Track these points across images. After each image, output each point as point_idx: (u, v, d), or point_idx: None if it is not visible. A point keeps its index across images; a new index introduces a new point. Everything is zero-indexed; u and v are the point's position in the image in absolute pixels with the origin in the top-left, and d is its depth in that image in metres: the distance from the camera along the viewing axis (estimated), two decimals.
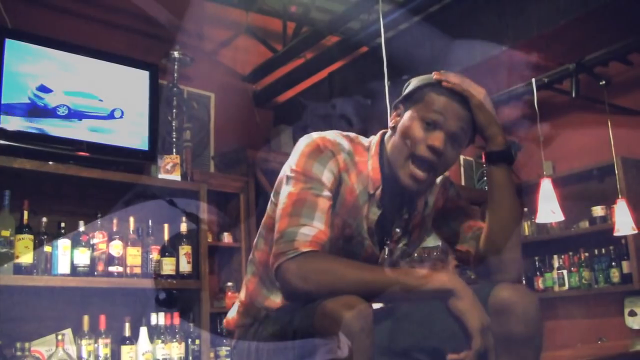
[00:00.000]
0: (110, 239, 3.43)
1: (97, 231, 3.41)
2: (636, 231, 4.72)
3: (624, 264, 5.19)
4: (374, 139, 1.80)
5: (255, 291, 1.81)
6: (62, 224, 3.32)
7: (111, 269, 3.40)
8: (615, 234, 4.79)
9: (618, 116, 5.22)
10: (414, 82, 1.77)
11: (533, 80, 4.97)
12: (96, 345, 3.26)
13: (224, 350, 3.92)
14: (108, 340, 3.30)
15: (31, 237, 3.17)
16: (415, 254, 4.55)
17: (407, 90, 1.76)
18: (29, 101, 3.38)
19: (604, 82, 5.12)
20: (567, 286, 5.61)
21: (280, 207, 1.64)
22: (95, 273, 3.35)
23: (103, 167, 3.51)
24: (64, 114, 3.49)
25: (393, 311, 1.79)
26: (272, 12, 4.88)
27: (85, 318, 3.26)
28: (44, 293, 3.34)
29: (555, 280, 5.69)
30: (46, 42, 3.52)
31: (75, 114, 3.53)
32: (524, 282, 5.91)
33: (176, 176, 3.80)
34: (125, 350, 3.35)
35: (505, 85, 5.01)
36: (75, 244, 3.30)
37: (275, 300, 1.76)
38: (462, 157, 6.01)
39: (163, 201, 3.78)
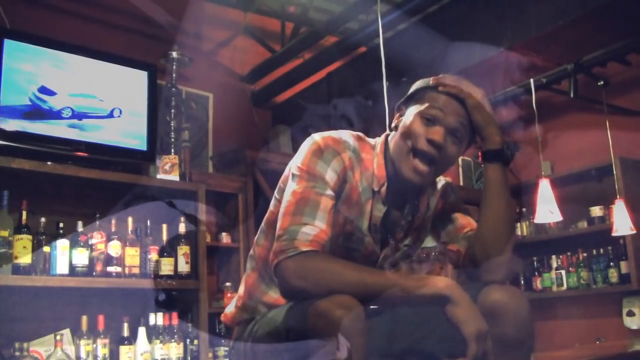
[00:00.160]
0: (109, 239, 3.43)
1: (96, 231, 3.41)
2: (634, 231, 4.72)
3: (622, 264, 5.20)
4: (379, 139, 1.83)
5: (254, 286, 1.83)
6: (61, 224, 3.32)
7: (110, 269, 3.40)
8: (614, 234, 4.80)
9: (616, 116, 5.23)
10: (415, 85, 1.80)
11: (531, 80, 4.97)
12: (95, 345, 3.26)
13: (222, 351, 3.93)
14: (107, 341, 3.31)
15: (30, 237, 3.17)
16: (415, 255, 4.56)
17: (408, 93, 1.80)
18: (29, 102, 3.38)
19: (602, 82, 5.12)
20: (565, 286, 5.61)
21: (284, 205, 1.66)
22: (94, 273, 3.35)
23: (102, 167, 3.51)
24: (67, 116, 3.49)
25: (390, 313, 1.80)
26: (271, 12, 4.88)
27: (84, 318, 3.26)
28: (42, 293, 3.34)
29: (553, 281, 5.69)
30: (45, 42, 3.52)
31: (74, 115, 3.53)
32: (522, 282, 5.92)
33: (175, 176, 3.80)
34: (123, 350, 3.35)
35: (504, 85, 5.02)
36: (74, 244, 3.30)
37: (274, 295, 1.78)
38: (460, 158, 6.01)
39: (161, 201, 3.78)
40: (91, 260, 3.35)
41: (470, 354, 1.48)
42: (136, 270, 3.50)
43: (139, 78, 3.82)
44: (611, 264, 5.29)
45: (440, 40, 3.86)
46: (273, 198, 1.82)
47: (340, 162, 1.69)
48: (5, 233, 3.09)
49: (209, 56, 4.75)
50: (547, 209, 4.59)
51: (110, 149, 3.63)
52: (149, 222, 3.67)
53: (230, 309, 1.93)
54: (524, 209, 5.91)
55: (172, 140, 3.99)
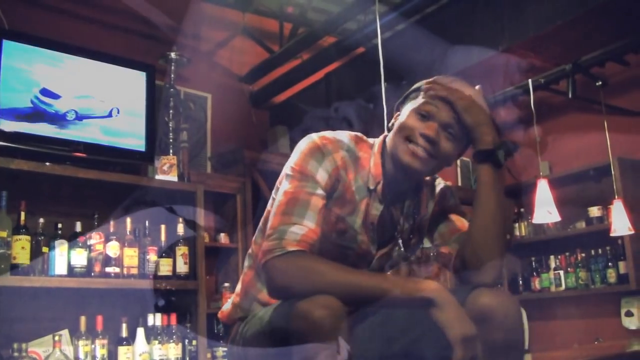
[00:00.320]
0: (107, 239, 3.43)
1: (94, 232, 3.41)
2: (632, 232, 4.73)
3: (621, 264, 5.20)
4: (378, 139, 1.84)
5: (250, 284, 1.85)
6: (59, 225, 3.32)
7: (108, 269, 3.40)
8: (612, 234, 4.80)
9: (614, 117, 5.23)
10: (413, 87, 1.83)
11: (529, 81, 4.98)
12: (93, 346, 3.26)
13: (220, 351, 3.93)
14: (105, 341, 3.30)
15: (28, 238, 3.17)
16: (413, 256, 4.55)
17: (406, 93, 1.82)
18: (29, 104, 3.38)
19: (600, 82, 5.13)
20: (563, 286, 5.61)
21: (275, 205, 1.68)
22: (92, 274, 3.35)
23: (100, 168, 3.51)
24: (68, 118, 3.49)
25: (380, 316, 1.79)
26: (269, 12, 4.88)
27: (82, 319, 3.26)
28: (41, 294, 3.33)
29: (552, 281, 5.70)
30: (43, 43, 3.52)
31: (74, 115, 3.53)
32: (520, 282, 5.93)
33: (173, 177, 3.80)
34: (122, 351, 3.35)
35: (502, 86, 5.02)
36: (72, 244, 3.30)
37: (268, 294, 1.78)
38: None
39: (160, 202, 3.77)
40: (90, 260, 3.35)
41: (456, 358, 1.48)
42: (135, 271, 3.50)
43: (137, 79, 3.82)
44: (609, 264, 5.29)
45: (438, 40, 3.86)
46: (270, 198, 1.83)
47: (332, 161, 1.71)
48: (3, 234, 3.09)
49: (208, 57, 4.75)
50: (545, 209, 4.59)
51: (109, 149, 3.63)
52: (147, 222, 3.67)
53: (227, 306, 1.94)
54: (522, 209, 5.91)
55: (171, 140, 3.99)
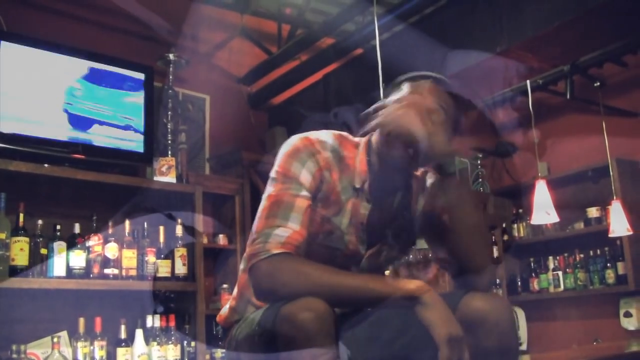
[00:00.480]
0: (106, 241, 3.43)
1: (93, 233, 3.41)
2: (631, 232, 4.72)
3: (619, 265, 5.20)
4: (364, 138, 1.83)
5: (245, 286, 1.83)
6: (58, 227, 3.32)
7: (107, 271, 3.40)
8: (611, 235, 4.79)
9: (613, 118, 5.23)
10: (393, 82, 1.84)
11: (527, 82, 4.98)
12: (92, 347, 3.26)
13: (219, 352, 3.92)
14: (104, 343, 3.31)
15: (27, 239, 3.17)
16: (411, 256, 4.55)
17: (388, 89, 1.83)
18: (28, 105, 3.38)
19: (598, 83, 5.13)
20: (562, 287, 5.61)
21: (260, 208, 1.68)
22: (91, 275, 3.35)
23: (99, 169, 3.52)
24: (66, 119, 3.50)
25: (376, 318, 1.76)
26: (267, 14, 4.88)
27: (81, 320, 3.27)
28: (39, 295, 3.33)
29: (550, 282, 5.69)
30: (42, 44, 3.52)
31: (72, 118, 3.54)
32: (519, 283, 5.92)
33: (171, 178, 3.80)
34: (121, 352, 3.36)
35: (500, 86, 5.02)
36: (71, 246, 3.30)
37: None
38: (456, 159, 6.00)
39: (158, 203, 3.78)
40: (88, 262, 3.35)
41: (443, 357, 1.47)
42: (133, 272, 3.50)
43: (136, 80, 3.83)
44: (608, 265, 5.29)
45: (436, 42, 3.87)
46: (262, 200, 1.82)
47: (315, 162, 1.70)
48: (2, 235, 3.10)
49: (206, 58, 4.75)
50: (543, 210, 4.58)
51: (107, 151, 3.63)
52: (146, 224, 3.67)
53: (224, 310, 1.93)
54: (520, 210, 5.91)
55: (169, 142, 4.00)
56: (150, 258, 3.58)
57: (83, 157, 3.51)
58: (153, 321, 3.52)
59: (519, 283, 5.93)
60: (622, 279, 5.16)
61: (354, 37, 4.37)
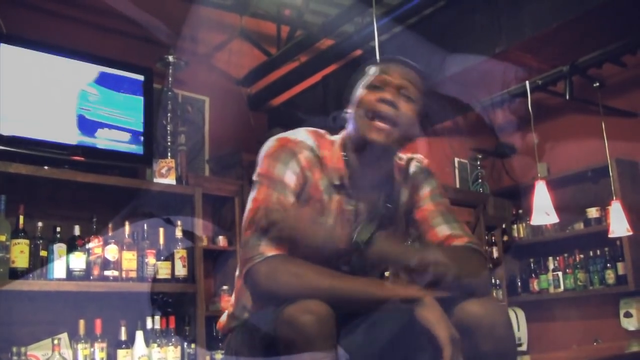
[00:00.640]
0: (106, 243, 3.43)
1: (93, 235, 3.41)
2: (631, 232, 4.73)
3: (619, 265, 5.20)
4: (340, 135, 1.83)
5: (241, 291, 1.82)
6: (58, 229, 3.32)
7: (107, 273, 3.40)
8: (610, 235, 4.80)
9: (612, 118, 5.24)
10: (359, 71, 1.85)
11: (527, 82, 4.99)
12: (92, 349, 3.26)
13: (219, 354, 3.92)
14: (104, 344, 3.30)
15: (27, 241, 3.17)
16: None
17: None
18: (27, 107, 3.38)
19: (597, 84, 5.14)
20: (562, 288, 5.62)
21: (247, 211, 1.67)
22: (91, 277, 3.35)
23: (98, 171, 3.51)
24: (65, 121, 3.50)
25: (375, 322, 1.72)
26: (266, 15, 4.88)
27: (81, 322, 3.26)
28: (39, 297, 3.33)
29: (550, 282, 5.70)
30: (41, 46, 3.52)
31: (71, 119, 3.54)
32: (519, 284, 5.93)
33: (171, 180, 3.80)
34: (121, 354, 3.35)
35: (499, 87, 5.02)
36: (71, 248, 3.30)
37: None
38: (456, 160, 6.02)
39: (158, 205, 3.78)
40: (88, 264, 3.35)
41: (446, 356, 1.46)
42: (133, 274, 3.50)
43: (135, 82, 3.83)
44: (608, 265, 5.29)
45: (435, 43, 3.87)
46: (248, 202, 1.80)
47: (297, 163, 1.70)
48: (2, 238, 3.09)
49: (205, 60, 4.75)
50: (543, 210, 4.59)
51: (107, 153, 3.63)
52: (145, 226, 3.67)
53: (223, 317, 1.93)
54: (520, 211, 5.92)
55: (169, 144, 3.99)
56: (150, 260, 3.58)
57: (83, 159, 3.51)
58: (153, 323, 3.52)
59: (519, 284, 5.94)
60: (622, 279, 5.17)
61: (353, 39, 4.36)
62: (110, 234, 3.46)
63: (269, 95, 4.97)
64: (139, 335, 3.44)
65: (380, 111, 1.68)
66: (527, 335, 5.67)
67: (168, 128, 4.02)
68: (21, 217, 3.19)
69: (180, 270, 3.67)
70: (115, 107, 3.71)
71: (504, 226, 5.93)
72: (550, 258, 5.75)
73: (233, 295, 1.89)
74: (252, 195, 1.69)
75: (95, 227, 3.46)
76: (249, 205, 1.68)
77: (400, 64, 1.78)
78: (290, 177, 1.68)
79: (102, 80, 3.70)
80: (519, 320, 5.63)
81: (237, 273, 1.88)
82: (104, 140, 3.63)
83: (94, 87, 3.65)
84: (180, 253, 3.69)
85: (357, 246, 1.64)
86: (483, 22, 3.81)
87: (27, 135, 3.36)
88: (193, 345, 3.64)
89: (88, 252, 3.36)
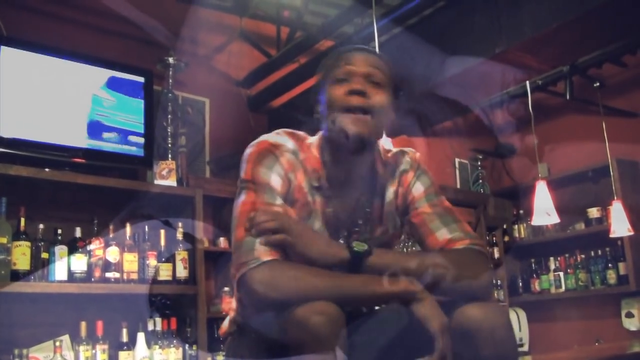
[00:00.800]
0: (107, 245, 3.43)
1: (94, 237, 3.42)
2: (632, 233, 4.73)
3: (620, 265, 5.20)
4: (316, 136, 1.80)
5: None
6: (59, 231, 3.33)
7: (108, 275, 3.40)
8: (611, 235, 4.80)
9: (612, 118, 5.24)
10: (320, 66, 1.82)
11: (527, 82, 4.99)
12: (94, 351, 3.26)
13: (221, 355, 3.92)
14: (106, 346, 3.31)
15: (28, 243, 3.18)
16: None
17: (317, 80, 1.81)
18: (28, 109, 3.39)
19: (598, 84, 5.14)
20: (563, 288, 5.62)
21: (235, 217, 1.65)
22: (92, 279, 3.35)
23: (99, 173, 3.52)
24: (65, 123, 3.50)
25: (375, 324, 1.71)
26: (266, 17, 4.88)
27: (83, 324, 3.27)
28: (41, 299, 3.34)
29: (551, 282, 5.70)
30: (42, 48, 3.53)
31: (72, 121, 3.54)
32: (520, 284, 5.93)
33: (172, 182, 3.80)
34: (123, 356, 3.35)
35: (499, 88, 5.02)
36: (72, 250, 3.31)
37: None
38: (457, 160, 6.02)
39: (159, 207, 3.78)
40: (90, 266, 3.35)
41: (438, 347, 1.47)
42: (134, 276, 3.50)
43: (135, 84, 3.83)
44: (609, 265, 5.29)
45: (435, 43, 3.87)
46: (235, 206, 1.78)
47: (280, 165, 1.68)
48: (3, 240, 3.10)
49: (205, 61, 4.75)
50: (544, 211, 4.59)
51: (107, 154, 3.63)
52: (146, 227, 3.67)
53: (225, 323, 1.92)
54: (521, 211, 5.91)
55: (169, 145, 4.00)
56: (152, 261, 3.58)
57: (83, 161, 3.52)
58: (155, 324, 3.52)
59: (520, 284, 5.94)
60: (623, 279, 5.17)
61: (353, 40, 4.36)
62: (111, 236, 3.47)
63: (269, 97, 4.97)
64: (141, 337, 3.44)
65: (352, 103, 1.65)
66: (528, 336, 5.67)
67: (168, 130, 4.02)
68: (22, 219, 3.19)
69: (182, 272, 3.67)
70: (115, 109, 3.71)
71: (504, 226, 5.93)
72: (552, 258, 5.75)
73: (233, 300, 1.88)
74: (240, 199, 1.66)
75: (96, 229, 3.46)
76: (237, 209, 1.65)
77: (362, 51, 1.75)
78: (276, 180, 1.66)
79: (102, 83, 3.70)
80: (520, 321, 5.63)
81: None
82: (104, 142, 3.63)
83: (94, 89, 3.66)
84: (181, 255, 3.69)
85: (356, 258, 1.60)
86: (483, 22, 3.82)
87: (27, 138, 3.36)
88: (194, 347, 3.64)
89: (89, 254, 3.37)
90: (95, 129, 3.61)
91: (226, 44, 4.86)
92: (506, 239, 5.90)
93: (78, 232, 3.39)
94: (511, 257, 5.89)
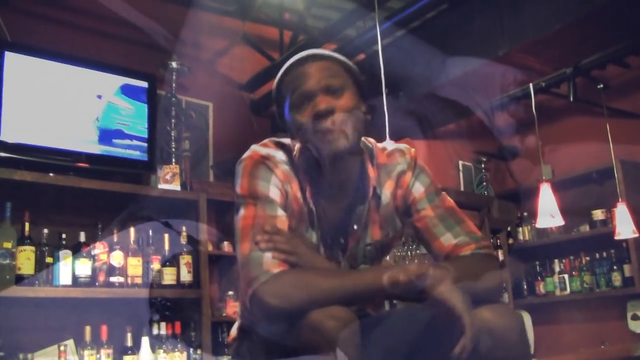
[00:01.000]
0: (111, 249, 3.44)
1: (98, 242, 3.42)
2: (637, 234, 4.71)
3: (626, 267, 5.18)
4: (296, 146, 1.75)
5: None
6: (63, 235, 3.34)
7: (112, 279, 3.41)
8: (616, 237, 4.78)
9: (616, 119, 5.23)
10: (275, 84, 1.77)
11: (530, 85, 4.99)
12: (98, 355, 3.27)
13: (225, 359, 3.92)
14: (110, 351, 3.31)
15: (32, 248, 3.19)
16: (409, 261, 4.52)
17: (273, 94, 1.77)
18: (31, 114, 3.39)
19: (601, 85, 5.13)
20: (568, 290, 5.60)
21: (238, 232, 1.63)
22: (97, 283, 3.36)
23: (103, 178, 3.52)
24: (68, 127, 3.51)
25: (377, 325, 1.69)
26: (269, 20, 4.89)
27: (87, 328, 3.27)
28: (45, 304, 3.34)
29: (556, 285, 5.68)
30: (45, 54, 3.54)
31: (76, 126, 3.55)
32: (524, 287, 5.91)
33: (176, 186, 3.80)
34: None
35: (502, 90, 5.02)
36: (77, 254, 3.31)
37: None
38: (460, 162, 6.02)
39: (163, 211, 3.78)
40: (94, 270, 3.36)
41: (466, 323, 1.42)
42: (139, 280, 3.50)
43: (139, 88, 3.84)
44: (614, 267, 5.27)
45: (438, 46, 3.87)
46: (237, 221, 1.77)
47: (276, 177, 1.66)
48: (8, 244, 3.11)
49: (208, 65, 4.76)
50: (548, 213, 4.58)
51: (111, 159, 3.64)
52: (150, 231, 3.68)
53: (233, 329, 1.90)
54: (525, 214, 5.90)
55: (173, 149, 4.00)
56: (156, 266, 3.59)
57: (87, 165, 3.52)
58: (159, 329, 3.52)
59: (525, 286, 5.92)
60: (628, 281, 5.15)
61: (356, 43, 4.37)
62: (115, 240, 3.47)
63: (272, 100, 4.97)
64: (145, 341, 3.44)
65: (320, 126, 1.60)
66: (533, 339, 5.65)
67: (172, 134, 4.03)
68: (27, 224, 3.20)
69: (186, 276, 3.67)
70: (119, 114, 3.72)
71: (509, 229, 5.91)
72: (556, 260, 5.73)
73: (239, 306, 1.87)
74: (240, 214, 1.64)
75: (101, 234, 3.47)
76: (238, 224, 1.64)
77: (311, 60, 1.68)
78: (275, 192, 1.64)
79: (106, 87, 3.71)
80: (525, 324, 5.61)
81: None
82: (108, 146, 3.64)
83: (97, 94, 3.67)
84: (185, 259, 3.69)
85: None
86: (485, 25, 3.82)
87: (32, 143, 3.37)
88: (199, 351, 3.64)
89: (93, 258, 3.37)
90: (99, 133, 3.62)
91: (229, 47, 4.86)
92: (510, 241, 5.89)
93: (82, 237, 3.39)
94: (515, 260, 5.87)
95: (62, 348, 3.12)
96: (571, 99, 4.94)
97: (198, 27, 4.55)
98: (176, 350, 3.51)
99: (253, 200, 1.64)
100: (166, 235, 3.69)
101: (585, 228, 5.50)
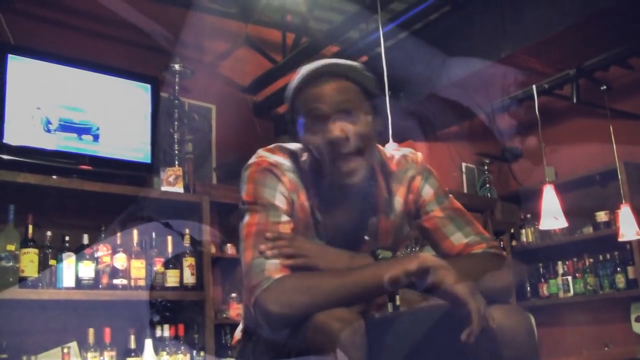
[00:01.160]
0: (114, 251, 3.44)
1: (101, 244, 3.42)
2: None
3: (629, 269, 5.17)
4: (301, 152, 1.74)
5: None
6: (67, 238, 3.34)
7: (115, 281, 3.41)
8: (620, 239, 4.77)
9: (620, 121, 5.22)
10: (287, 90, 1.72)
11: (533, 86, 4.98)
12: (102, 357, 3.27)
13: None
14: (113, 353, 3.31)
15: (36, 251, 3.19)
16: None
17: (286, 99, 1.74)
18: (33, 117, 3.40)
19: (604, 87, 5.12)
20: (572, 292, 5.58)
21: (243, 239, 1.62)
22: (100, 286, 3.36)
23: (106, 180, 3.53)
24: (69, 128, 3.51)
25: (379, 326, 1.70)
26: (271, 23, 4.89)
27: (91, 331, 3.27)
28: (49, 306, 3.35)
29: (559, 287, 5.67)
30: (48, 57, 3.55)
31: (79, 128, 3.55)
32: (528, 289, 5.90)
33: (179, 188, 3.81)
34: None
35: (505, 92, 5.02)
36: (80, 257, 3.32)
37: None
38: (464, 165, 6.01)
39: (166, 213, 3.78)
40: (97, 273, 3.36)
41: (473, 309, 1.41)
42: (142, 283, 3.50)
43: (142, 91, 3.84)
44: (618, 269, 5.26)
45: (440, 48, 3.87)
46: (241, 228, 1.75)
47: (283, 185, 1.66)
48: (11, 247, 3.11)
49: (211, 68, 4.76)
50: (552, 215, 4.57)
51: (114, 161, 3.65)
52: (154, 234, 3.68)
53: (237, 332, 1.90)
54: (528, 215, 5.89)
55: (176, 152, 4.01)
56: (159, 268, 3.59)
57: (90, 168, 3.53)
58: (162, 331, 3.52)
59: (528, 288, 5.91)
60: (632, 283, 5.14)
61: (358, 45, 4.37)
62: (118, 243, 3.48)
63: (275, 103, 4.97)
64: (148, 343, 3.44)
65: (337, 151, 1.60)
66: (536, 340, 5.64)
67: (175, 136, 4.04)
68: (30, 227, 3.21)
69: (189, 278, 3.68)
70: (122, 116, 3.72)
71: (512, 231, 5.91)
72: (560, 262, 5.72)
73: (242, 308, 1.87)
74: (245, 221, 1.63)
75: (104, 236, 3.47)
76: (242, 231, 1.63)
77: (324, 79, 1.63)
78: (281, 200, 1.64)
79: (109, 90, 3.72)
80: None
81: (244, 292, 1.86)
82: (111, 148, 3.64)
83: (100, 96, 3.67)
84: (188, 261, 3.69)
85: None
86: (488, 26, 3.82)
87: (35, 145, 3.37)
88: (202, 353, 3.64)
89: (97, 260, 3.38)
90: (102, 136, 3.63)
91: (231, 50, 4.87)
92: (513, 243, 5.88)
93: (85, 239, 3.40)
94: (519, 262, 5.86)
95: (65, 350, 3.12)
96: (574, 100, 4.93)
97: (200, 29, 4.56)
98: (179, 352, 3.51)
99: (257, 207, 1.63)
100: (169, 238, 3.69)
101: (589, 230, 5.49)
